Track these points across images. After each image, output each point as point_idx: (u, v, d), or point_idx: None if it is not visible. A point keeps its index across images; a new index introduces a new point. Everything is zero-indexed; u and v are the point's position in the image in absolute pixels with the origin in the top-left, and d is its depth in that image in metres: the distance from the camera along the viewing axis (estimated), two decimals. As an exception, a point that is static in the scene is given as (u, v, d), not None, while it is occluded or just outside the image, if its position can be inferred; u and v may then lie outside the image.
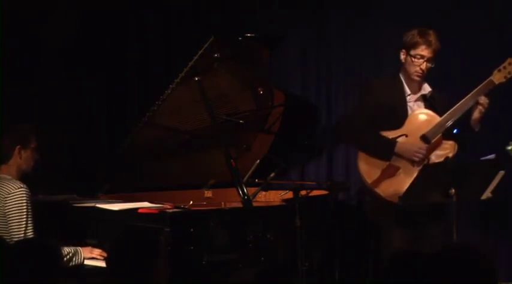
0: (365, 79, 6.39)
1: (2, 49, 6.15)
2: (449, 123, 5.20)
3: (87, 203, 5.27)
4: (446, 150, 5.23)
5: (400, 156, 5.23)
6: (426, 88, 5.37)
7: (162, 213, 4.85)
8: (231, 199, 5.59)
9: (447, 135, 5.24)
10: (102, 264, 4.83)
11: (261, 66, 5.69)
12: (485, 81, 5.19)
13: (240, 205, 5.02)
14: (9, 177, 4.87)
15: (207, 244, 4.73)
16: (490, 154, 4.94)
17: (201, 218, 4.87)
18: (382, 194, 5.24)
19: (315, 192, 5.32)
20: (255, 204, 5.08)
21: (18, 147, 4.92)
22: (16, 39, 6.26)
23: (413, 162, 5.23)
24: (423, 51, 5.25)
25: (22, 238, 4.65)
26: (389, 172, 5.25)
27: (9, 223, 4.75)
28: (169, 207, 4.99)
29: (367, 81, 5.85)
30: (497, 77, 5.20)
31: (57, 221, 5.16)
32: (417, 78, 5.31)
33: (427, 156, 5.22)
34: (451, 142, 5.24)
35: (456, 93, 5.42)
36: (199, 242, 4.71)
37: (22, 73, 6.30)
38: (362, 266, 5.95)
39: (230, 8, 6.65)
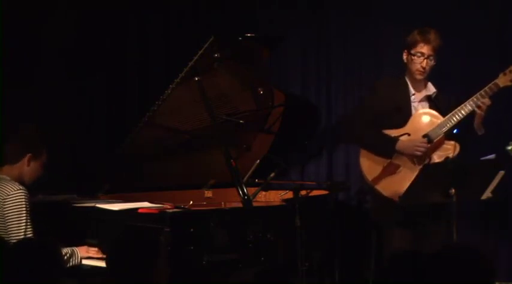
0: (365, 79, 6.40)
1: (2, 49, 6.15)
2: (452, 123, 5.21)
3: (87, 203, 5.26)
4: (448, 151, 5.24)
5: (401, 154, 5.25)
6: (431, 89, 5.39)
7: (162, 212, 4.84)
8: (231, 199, 5.58)
9: (449, 135, 5.26)
10: (100, 263, 4.82)
11: (261, 66, 5.69)
12: (490, 84, 5.20)
13: (240, 205, 5.02)
14: (9, 179, 4.79)
15: (207, 244, 4.73)
16: (490, 154, 4.94)
17: (201, 218, 4.86)
18: (382, 192, 5.26)
19: (315, 192, 5.32)
20: (255, 204, 5.08)
21: (30, 155, 4.81)
22: (16, 39, 6.26)
23: (414, 160, 5.24)
24: (422, 48, 5.28)
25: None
26: (390, 170, 5.27)
27: (8, 225, 4.67)
28: (169, 207, 4.99)
29: (373, 82, 5.85)
30: (502, 80, 5.21)
31: (57, 221, 5.15)
32: (419, 76, 5.32)
33: (428, 154, 5.23)
34: (452, 143, 5.25)
35: (456, 93, 5.44)
36: (199, 242, 4.71)
37: (22, 73, 6.29)
38: (362, 266, 5.95)
39: (230, 8, 6.64)
